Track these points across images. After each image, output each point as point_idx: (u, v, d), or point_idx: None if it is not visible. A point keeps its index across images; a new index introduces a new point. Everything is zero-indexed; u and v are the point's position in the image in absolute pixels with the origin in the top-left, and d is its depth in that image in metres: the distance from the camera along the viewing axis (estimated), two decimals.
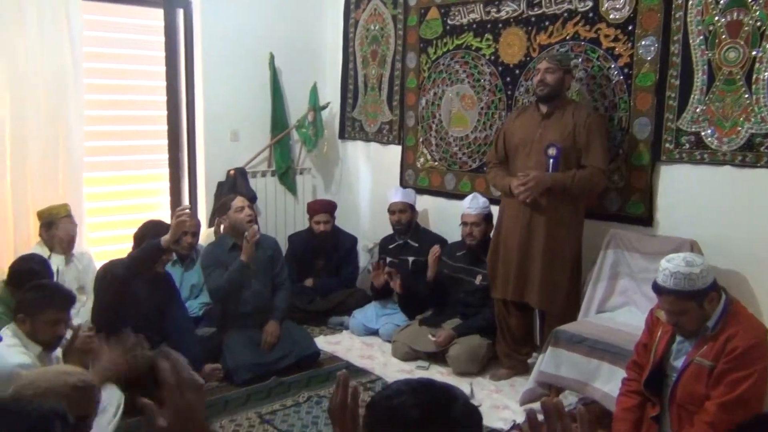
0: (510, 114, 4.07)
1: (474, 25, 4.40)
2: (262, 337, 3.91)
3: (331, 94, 5.43)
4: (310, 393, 3.63)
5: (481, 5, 4.33)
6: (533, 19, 4.06)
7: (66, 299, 2.84)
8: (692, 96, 3.40)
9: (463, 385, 3.59)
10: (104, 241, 4.68)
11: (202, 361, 3.71)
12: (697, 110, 3.38)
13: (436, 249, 4.23)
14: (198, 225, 4.39)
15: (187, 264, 4.34)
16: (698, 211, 3.42)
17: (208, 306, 4.27)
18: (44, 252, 3.76)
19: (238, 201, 4.07)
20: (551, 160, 3.52)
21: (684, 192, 3.49)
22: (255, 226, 3.94)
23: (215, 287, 3.95)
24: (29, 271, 3.24)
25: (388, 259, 4.66)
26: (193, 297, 4.34)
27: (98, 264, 4.11)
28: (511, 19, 4.17)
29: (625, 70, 3.65)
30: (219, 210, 4.15)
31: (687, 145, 3.44)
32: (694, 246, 3.27)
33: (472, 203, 4.07)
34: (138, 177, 4.96)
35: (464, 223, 4.08)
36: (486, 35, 4.33)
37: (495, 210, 4.02)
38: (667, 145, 3.51)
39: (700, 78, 3.37)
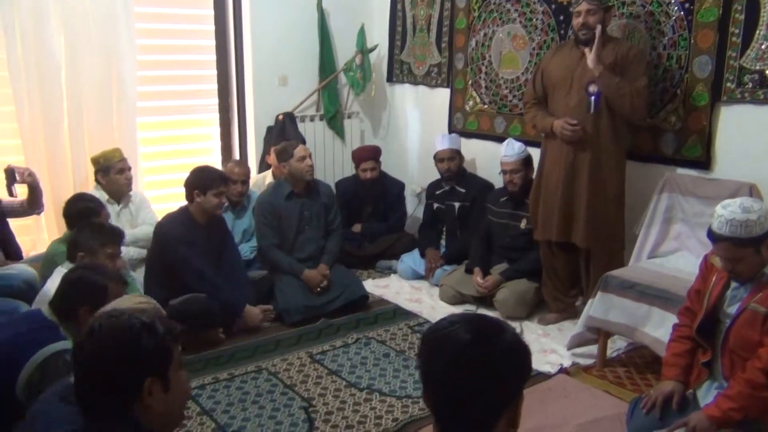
0: (547, 52, 3.96)
1: None
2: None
3: (378, 37, 5.35)
4: (359, 335, 3.70)
5: None
6: None
7: (119, 234, 3.09)
8: (758, 32, 3.22)
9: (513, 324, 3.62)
10: (158, 184, 4.79)
11: (255, 302, 3.82)
12: (763, 47, 3.21)
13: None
14: (247, 173, 4.44)
15: (238, 211, 4.42)
16: (760, 153, 3.28)
17: None
18: (102, 197, 3.86)
19: (301, 150, 4.10)
20: (592, 98, 3.43)
21: (745, 133, 3.34)
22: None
23: (266, 251, 4.08)
24: (86, 210, 3.39)
25: (435, 205, 4.65)
26: (245, 241, 4.43)
27: (153, 206, 4.24)
28: None
29: (686, 6, 3.48)
30: (280, 155, 4.19)
31: (750, 84, 3.28)
32: (753, 189, 3.16)
33: (508, 149, 4.01)
34: (189, 122, 5.04)
35: (504, 171, 4.04)
36: None
37: (534, 152, 3.95)
38: (729, 84, 3.35)
39: (767, 12, 3.18)
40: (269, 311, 3.87)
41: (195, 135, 5.10)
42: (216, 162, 4.98)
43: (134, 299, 2.29)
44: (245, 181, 4.40)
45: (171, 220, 3.66)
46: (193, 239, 3.57)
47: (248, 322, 3.69)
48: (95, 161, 3.98)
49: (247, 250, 4.36)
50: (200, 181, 3.59)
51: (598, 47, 3.39)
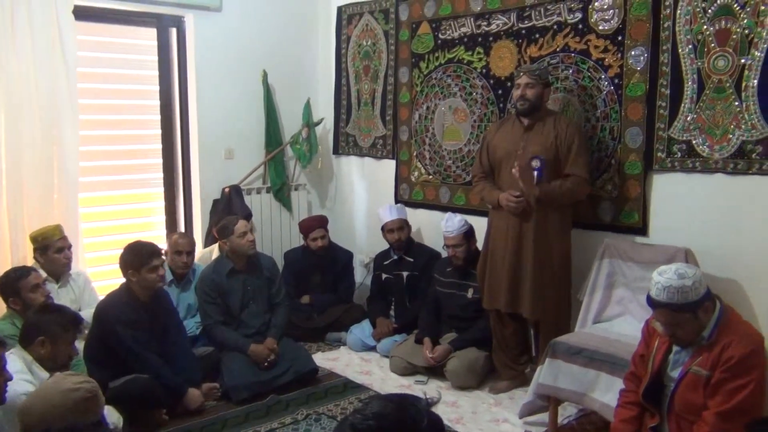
0: (491, 126, 4.10)
1: (465, 39, 4.42)
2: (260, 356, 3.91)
3: (324, 110, 5.45)
4: (309, 410, 3.61)
5: (472, 19, 4.36)
6: (523, 31, 4.08)
7: (80, 321, 3.01)
8: (683, 105, 3.41)
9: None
10: (100, 261, 4.67)
11: (200, 381, 3.71)
12: (688, 119, 3.40)
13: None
14: (192, 244, 4.38)
15: (183, 284, 4.32)
16: (692, 219, 3.43)
17: None
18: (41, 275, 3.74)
19: (241, 225, 4.07)
20: (535, 172, 3.55)
21: (677, 200, 3.49)
22: None
23: (211, 329, 4.03)
24: (14, 278, 3.34)
25: (384, 276, 4.66)
26: (190, 316, 4.32)
27: (95, 283, 4.13)
28: (502, 32, 4.20)
29: (616, 81, 3.67)
30: (220, 232, 4.16)
31: (679, 154, 3.45)
32: (688, 254, 3.27)
33: (449, 224, 4.06)
34: (133, 196, 4.96)
35: (446, 246, 4.10)
36: (477, 49, 4.36)
37: (483, 221, 4.02)
38: (659, 154, 3.52)
39: (690, 87, 3.38)
40: (215, 389, 3.76)
41: (139, 209, 5.03)
42: (161, 236, 4.90)
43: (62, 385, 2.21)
44: (190, 252, 4.33)
45: (111, 299, 3.55)
46: (134, 319, 3.46)
47: (189, 405, 3.55)
48: (34, 239, 3.87)
49: (192, 325, 4.25)
50: (132, 259, 3.50)
51: (525, 181, 3.51)
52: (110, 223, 4.84)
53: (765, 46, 3.10)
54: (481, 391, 3.88)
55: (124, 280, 3.61)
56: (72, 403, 2.21)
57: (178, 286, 4.31)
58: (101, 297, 3.78)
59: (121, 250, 3.60)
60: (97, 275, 4.42)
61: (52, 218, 4.16)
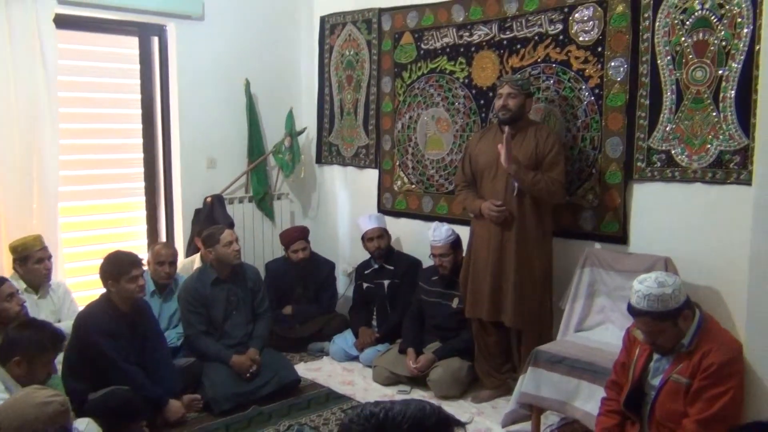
0: (473, 136, 4.12)
1: (447, 49, 4.45)
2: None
3: (307, 120, 5.45)
4: (291, 421, 3.59)
5: (454, 29, 4.39)
6: (505, 42, 4.11)
7: (61, 338, 2.92)
8: (662, 115, 3.45)
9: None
10: (80, 271, 4.62)
11: (181, 392, 3.68)
12: (667, 129, 3.44)
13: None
14: (175, 254, 4.34)
15: (165, 295, 4.28)
16: (671, 227, 3.46)
17: None
18: (20, 286, 3.69)
19: (227, 235, 4.05)
20: (516, 183, 3.57)
21: (657, 209, 3.53)
22: None
23: (193, 339, 3.99)
24: None
25: (365, 285, 4.65)
26: (171, 327, 4.28)
27: (75, 294, 4.08)
28: (484, 43, 4.23)
29: (596, 91, 3.71)
30: (206, 241, 4.13)
31: (658, 164, 3.48)
32: (668, 263, 3.30)
33: (436, 233, 4.07)
34: (114, 206, 4.91)
35: (433, 255, 4.11)
36: (459, 59, 4.38)
37: (465, 230, 4.02)
38: (639, 163, 3.56)
39: (669, 97, 3.42)
40: (196, 401, 3.73)
41: (120, 219, 4.98)
42: (142, 246, 4.86)
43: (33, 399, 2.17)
44: (173, 262, 4.29)
45: (91, 309, 3.50)
46: (114, 330, 3.42)
47: (169, 416, 3.51)
48: (14, 249, 3.81)
49: (174, 336, 4.21)
50: (112, 269, 3.46)
51: (508, 149, 3.49)
52: (90, 232, 4.78)
53: (742, 57, 3.15)
54: (464, 401, 3.88)
55: (104, 290, 3.58)
56: (46, 417, 2.19)
57: (161, 296, 4.27)
58: (81, 308, 3.73)
59: (102, 260, 3.56)
60: (77, 286, 4.37)
61: (31, 228, 4.11)
